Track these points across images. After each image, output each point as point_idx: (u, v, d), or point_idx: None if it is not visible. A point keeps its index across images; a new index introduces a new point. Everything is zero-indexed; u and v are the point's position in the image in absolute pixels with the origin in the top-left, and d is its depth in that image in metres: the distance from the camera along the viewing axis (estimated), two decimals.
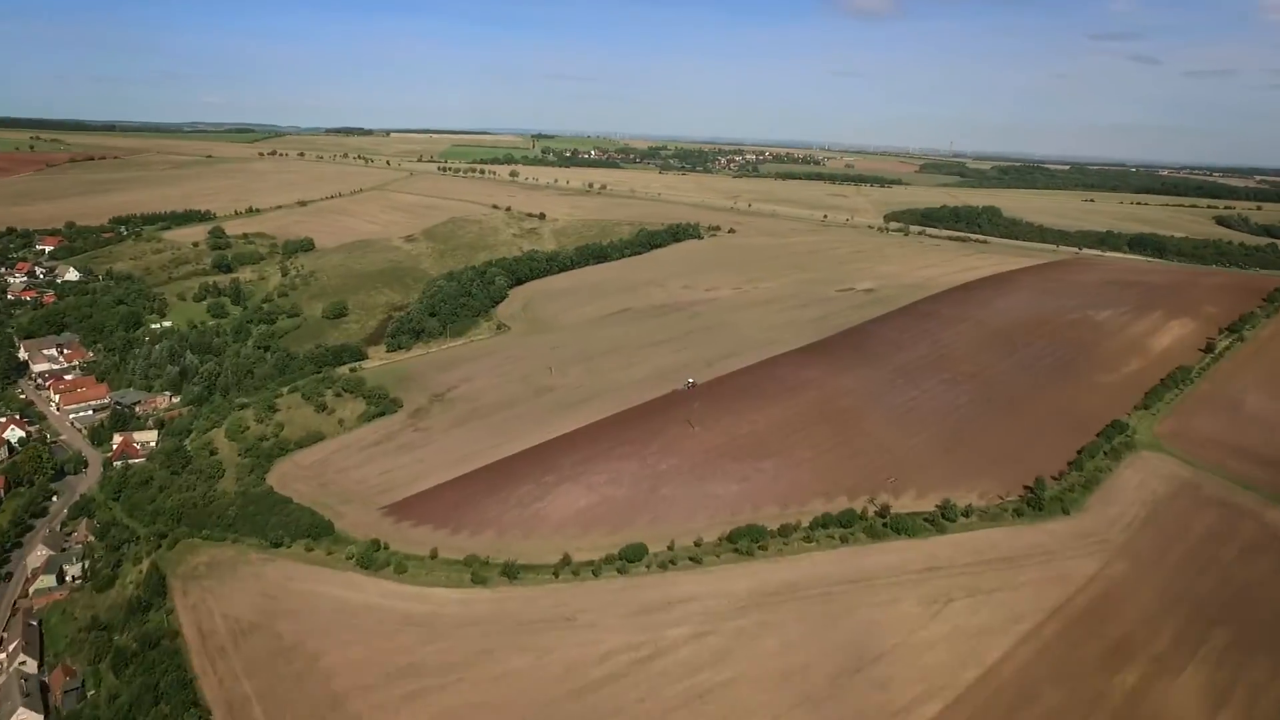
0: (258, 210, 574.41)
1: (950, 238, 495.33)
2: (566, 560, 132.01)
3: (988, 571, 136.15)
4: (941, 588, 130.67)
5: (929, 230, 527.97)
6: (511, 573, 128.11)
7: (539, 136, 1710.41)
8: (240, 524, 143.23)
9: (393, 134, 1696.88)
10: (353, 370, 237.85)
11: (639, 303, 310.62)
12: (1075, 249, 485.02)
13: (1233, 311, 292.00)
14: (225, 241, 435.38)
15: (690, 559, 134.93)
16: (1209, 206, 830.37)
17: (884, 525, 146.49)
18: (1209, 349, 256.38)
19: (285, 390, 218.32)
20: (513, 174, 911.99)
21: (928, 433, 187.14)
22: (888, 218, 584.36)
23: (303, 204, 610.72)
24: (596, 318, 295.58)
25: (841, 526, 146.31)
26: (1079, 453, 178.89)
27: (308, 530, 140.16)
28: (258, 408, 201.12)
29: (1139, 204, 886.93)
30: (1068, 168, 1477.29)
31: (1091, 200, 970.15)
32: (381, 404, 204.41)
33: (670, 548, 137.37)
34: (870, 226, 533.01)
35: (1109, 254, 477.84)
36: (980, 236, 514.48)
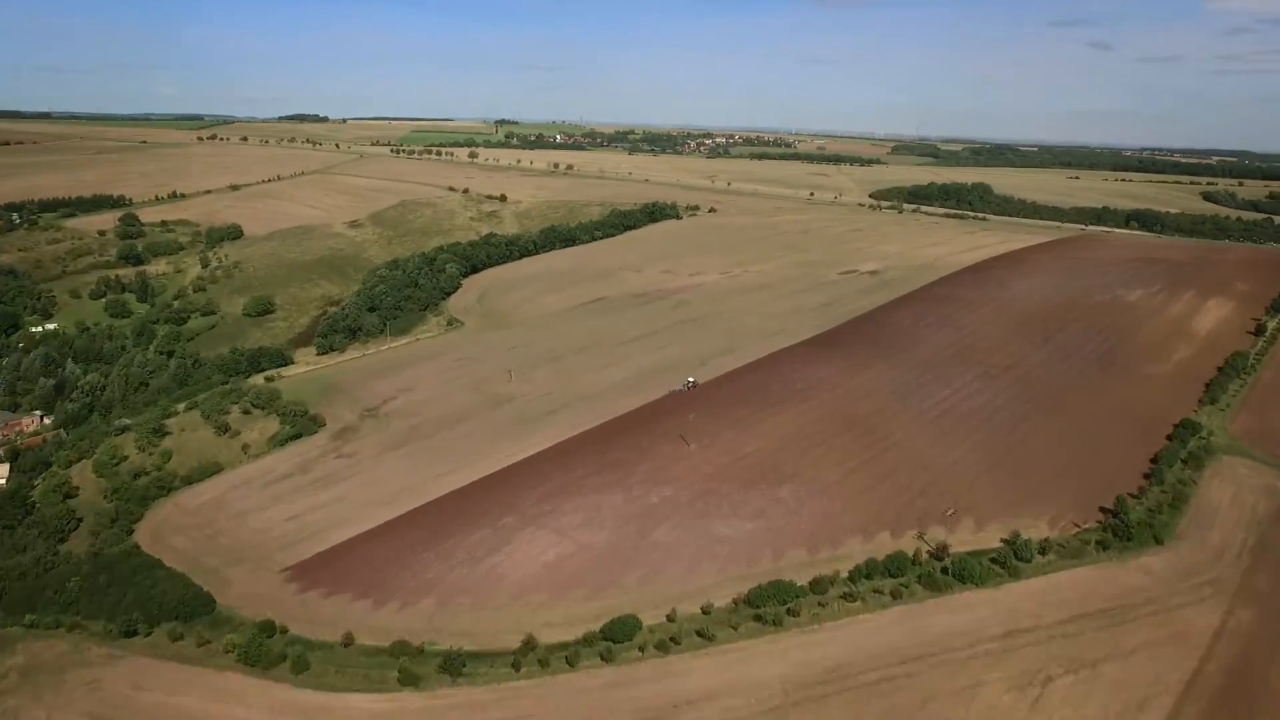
0: (182, 195, 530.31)
1: (947, 215, 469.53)
2: (531, 643, 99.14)
3: (1087, 632, 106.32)
4: (1033, 660, 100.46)
5: (923, 208, 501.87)
6: (454, 667, 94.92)
7: (503, 123, 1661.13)
8: (84, 602, 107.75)
9: (350, 121, 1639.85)
10: (269, 380, 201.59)
11: (614, 291, 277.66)
12: (1080, 226, 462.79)
13: (1268, 289, 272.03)
14: (138, 230, 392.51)
15: (699, 633, 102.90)
16: (1192, 183, 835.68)
17: (944, 572, 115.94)
18: (1259, 331, 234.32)
19: (182, 407, 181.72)
20: (472, 155, 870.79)
21: (971, 442, 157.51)
22: (874, 195, 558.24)
23: (235, 188, 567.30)
24: (565, 309, 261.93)
25: (890, 576, 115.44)
26: (1153, 461, 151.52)
27: (177, 608, 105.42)
28: (141, 431, 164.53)
29: (1124, 180, 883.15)
30: (1036, 149, 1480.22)
31: (1077, 177, 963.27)
32: (299, 423, 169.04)
33: (671, 618, 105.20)
34: (861, 204, 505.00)
35: (1115, 231, 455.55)
36: (976, 214, 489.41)
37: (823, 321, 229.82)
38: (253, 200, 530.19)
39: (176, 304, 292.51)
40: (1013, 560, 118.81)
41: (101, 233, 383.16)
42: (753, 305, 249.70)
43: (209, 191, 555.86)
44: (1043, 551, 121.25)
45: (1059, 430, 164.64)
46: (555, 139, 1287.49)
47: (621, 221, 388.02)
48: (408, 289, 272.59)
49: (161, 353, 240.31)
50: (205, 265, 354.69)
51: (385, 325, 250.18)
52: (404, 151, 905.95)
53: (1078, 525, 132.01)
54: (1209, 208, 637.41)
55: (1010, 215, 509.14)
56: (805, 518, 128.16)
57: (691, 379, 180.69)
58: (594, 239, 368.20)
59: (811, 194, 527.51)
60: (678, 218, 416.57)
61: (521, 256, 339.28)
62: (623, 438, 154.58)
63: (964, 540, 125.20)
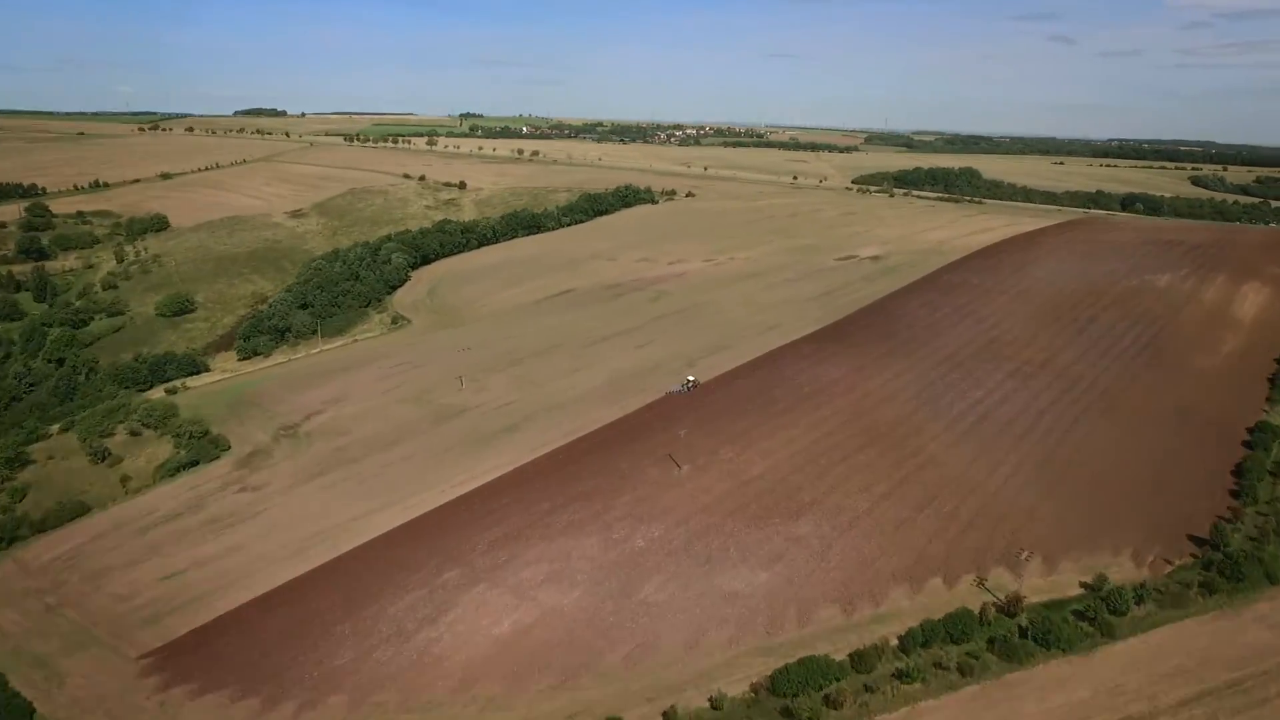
0: (106, 185, 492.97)
1: (940, 199, 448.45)
2: None
3: (1220, 716, 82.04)
4: None
5: (914, 192, 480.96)
6: None
7: (468, 116, 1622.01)
8: None
9: (309, 116, 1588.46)
10: (170, 392, 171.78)
11: (584, 282, 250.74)
12: (1079, 209, 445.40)
13: None
14: (46, 221, 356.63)
15: None
16: (1177, 168, 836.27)
17: (1022, 634, 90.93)
18: None
19: (55, 429, 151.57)
20: (430, 144, 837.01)
21: (1019, 455, 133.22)
22: (859, 180, 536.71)
23: (166, 177, 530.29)
24: (527, 304, 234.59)
25: (954, 641, 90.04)
26: (1236, 475, 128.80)
27: None
28: None
29: (1109, 166, 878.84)
30: (1008, 140, 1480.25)
31: (1061, 163, 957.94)
32: (196, 446, 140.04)
33: (669, 717, 78.83)
34: (848, 188, 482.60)
35: (1118, 214, 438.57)
36: (970, 198, 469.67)
37: (824, 313, 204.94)
38: (185, 190, 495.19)
39: (79, 303, 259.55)
40: (1104, 614, 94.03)
41: (2, 224, 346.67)
42: (742, 296, 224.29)
43: (137, 181, 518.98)
44: (1139, 600, 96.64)
45: (1117, 438, 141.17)
46: (521, 131, 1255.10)
47: (591, 206, 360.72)
48: (347, 283, 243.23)
49: (51, 360, 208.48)
50: (120, 260, 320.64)
51: (318, 324, 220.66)
52: (358, 140, 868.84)
53: (1169, 561, 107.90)
54: (1200, 192, 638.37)
55: (1002, 199, 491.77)
56: (834, 562, 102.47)
57: (692, 378, 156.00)
58: (561, 225, 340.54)
59: (795, 178, 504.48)
60: (653, 202, 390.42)
61: (480, 245, 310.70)
62: (598, 459, 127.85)
63: (1035, 587, 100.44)
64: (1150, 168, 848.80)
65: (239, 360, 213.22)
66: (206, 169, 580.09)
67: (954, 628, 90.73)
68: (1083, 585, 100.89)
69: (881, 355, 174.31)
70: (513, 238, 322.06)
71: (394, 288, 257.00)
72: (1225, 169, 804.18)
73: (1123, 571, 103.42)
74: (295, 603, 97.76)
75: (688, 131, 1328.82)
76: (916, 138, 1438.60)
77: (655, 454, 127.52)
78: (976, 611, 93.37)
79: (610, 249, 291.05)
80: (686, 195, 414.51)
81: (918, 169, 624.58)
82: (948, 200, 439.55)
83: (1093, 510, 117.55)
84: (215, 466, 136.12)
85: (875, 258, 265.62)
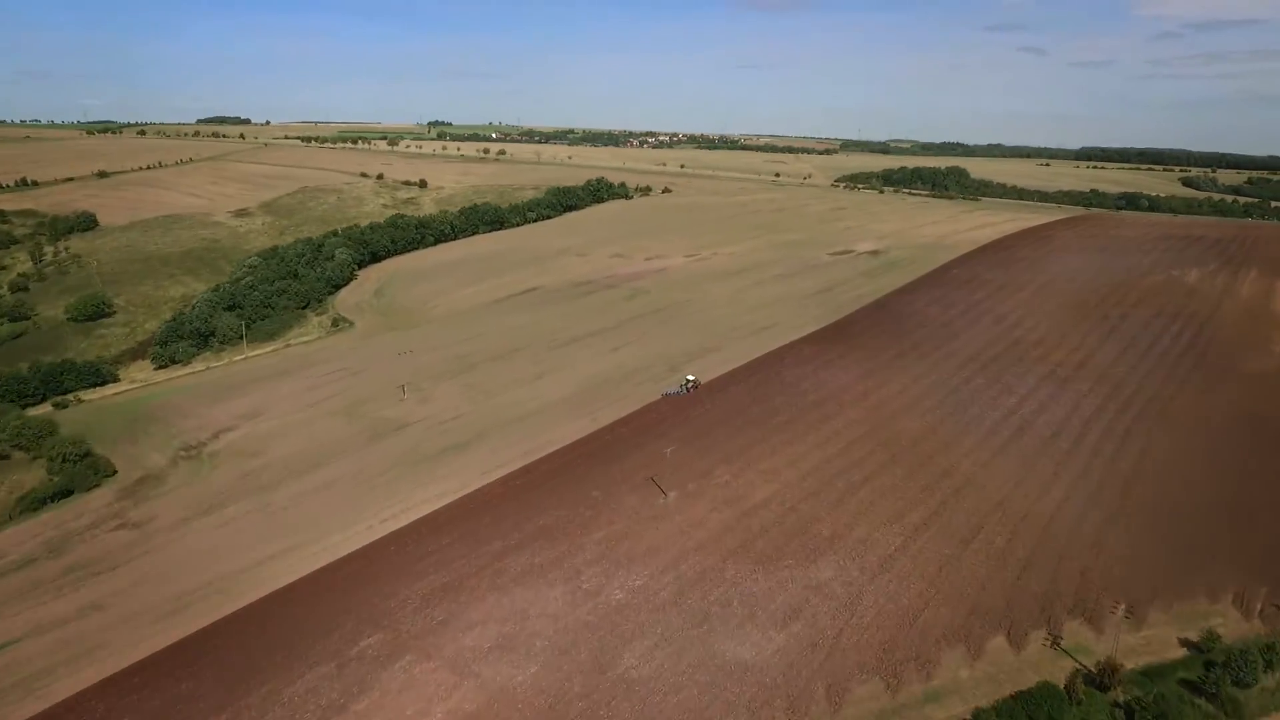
0: (34, 183, 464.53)
1: (932, 195, 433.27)
2: None
3: None
4: None
5: (903, 190, 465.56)
6: None
7: (436, 124, 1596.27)
8: None
9: (274, 124, 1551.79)
10: (60, 407, 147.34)
11: (551, 279, 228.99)
12: (1080, 207, 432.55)
13: None
14: None
15: None
16: (1165, 170, 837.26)
17: (1127, 718, 70.45)
18: None
19: None
20: (392, 144, 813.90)
21: (1070, 473, 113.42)
22: (842, 180, 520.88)
23: (103, 175, 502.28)
24: (487, 303, 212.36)
25: None
26: None
27: None
28: None
29: (1097, 168, 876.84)
30: (984, 146, 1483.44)
31: (1047, 164, 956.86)
32: (72, 471, 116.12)
33: None
34: (834, 185, 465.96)
35: (1123, 212, 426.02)
36: (962, 195, 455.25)
37: (824, 311, 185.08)
38: (122, 188, 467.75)
39: None
40: (1227, 687, 73.89)
41: None
42: (731, 293, 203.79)
43: (70, 179, 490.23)
44: (1268, 664, 76.58)
45: (1181, 451, 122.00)
46: (490, 136, 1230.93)
47: (561, 201, 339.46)
48: (283, 281, 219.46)
49: None
50: (37, 260, 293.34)
51: (245, 328, 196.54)
52: (315, 140, 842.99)
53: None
54: (1195, 193, 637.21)
55: (993, 198, 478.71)
56: (868, 618, 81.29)
57: (691, 377, 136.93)
58: (527, 221, 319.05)
59: (777, 175, 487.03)
60: (627, 197, 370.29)
61: (438, 242, 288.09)
62: (564, 485, 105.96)
63: (1126, 646, 79.98)
64: (1138, 169, 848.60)
65: (155, 369, 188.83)
66: (148, 168, 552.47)
67: (1036, 709, 69.88)
68: (1185, 643, 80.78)
69: (894, 358, 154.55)
70: (474, 234, 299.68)
71: (338, 287, 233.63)
72: (1215, 171, 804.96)
73: (1230, 623, 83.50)
74: (157, 684, 74.60)
75: (660, 138, 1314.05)
76: (892, 144, 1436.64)
77: (635, 477, 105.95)
78: (1061, 685, 72.61)
79: (581, 245, 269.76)
80: (663, 191, 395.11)
81: (903, 168, 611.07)
82: (940, 197, 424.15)
83: (1173, 542, 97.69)
84: (92, 497, 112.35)
85: (874, 252, 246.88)
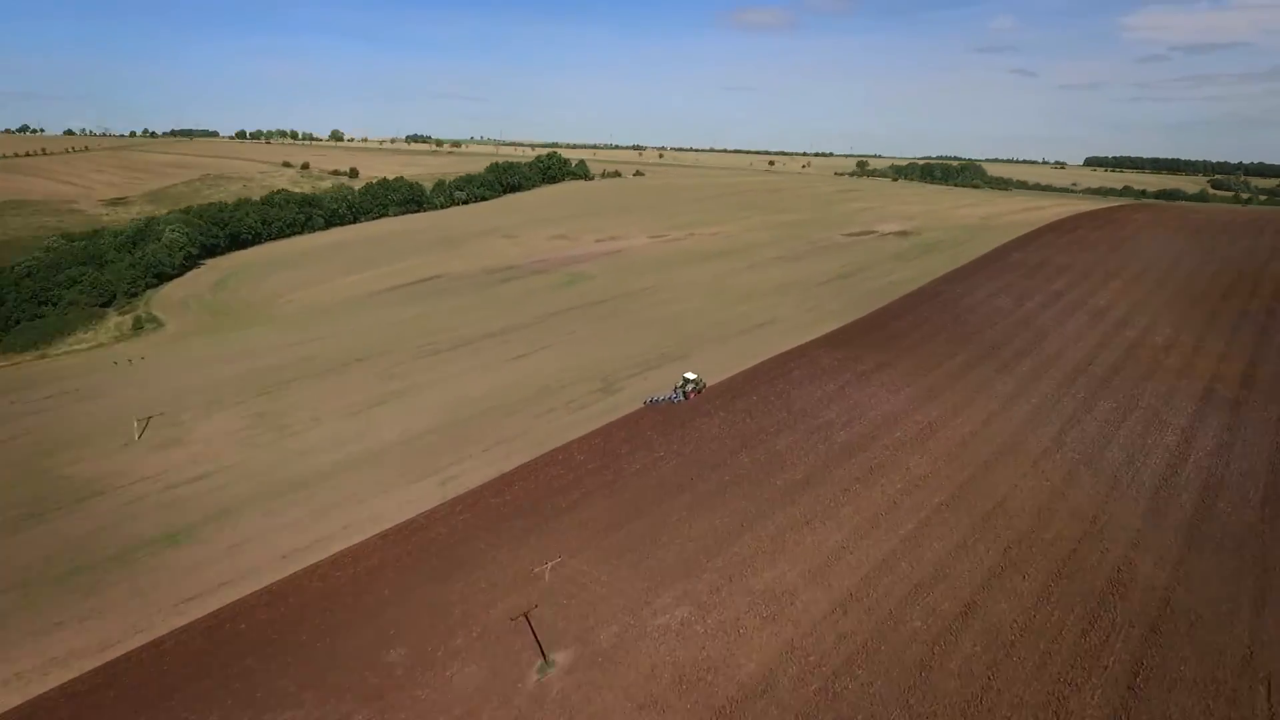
0: None
1: (954, 185, 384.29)
2: None
3: None
4: None
5: (917, 181, 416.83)
6: None
7: (415, 138, 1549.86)
8: None
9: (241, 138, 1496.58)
10: None
11: (463, 265, 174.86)
12: (1121, 199, 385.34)
13: None
14: None
15: None
16: (1186, 175, 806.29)
17: None
18: None
19: None
20: (335, 136, 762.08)
21: None
22: (844, 174, 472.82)
23: None
24: (364, 295, 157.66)
25: None
26: None
27: None
28: None
29: (1115, 171, 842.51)
30: (986, 160, 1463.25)
31: (1061, 166, 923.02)
32: None
33: None
34: (837, 174, 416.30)
35: (1180, 202, 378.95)
36: (989, 188, 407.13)
37: (846, 303, 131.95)
38: None
39: None
40: None
41: None
42: (710, 279, 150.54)
43: None
44: None
45: None
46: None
47: (501, 180, 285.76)
48: (76, 269, 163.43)
49: None
50: None
51: (5, 330, 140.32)
52: (252, 136, 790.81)
53: None
54: (1226, 195, 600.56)
55: (1024, 190, 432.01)
56: None
57: (693, 376, 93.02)
58: (455, 203, 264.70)
59: (771, 163, 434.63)
60: (587, 178, 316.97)
61: (330, 225, 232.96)
62: (326, 643, 50.77)
63: None
64: (1159, 174, 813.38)
65: None
66: (25, 155, 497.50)
67: None
68: None
69: (962, 368, 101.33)
70: (381, 215, 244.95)
71: (168, 277, 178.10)
72: (1242, 176, 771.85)
73: None
74: None
75: (644, 153, 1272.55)
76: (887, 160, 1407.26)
77: (485, 619, 51.15)
78: None
79: (514, 225, 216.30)
80: (635, 174, 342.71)
81: (912, 163, 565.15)
82: (966, 186, 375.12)
83: None
84: None
85: (903, 233, 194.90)
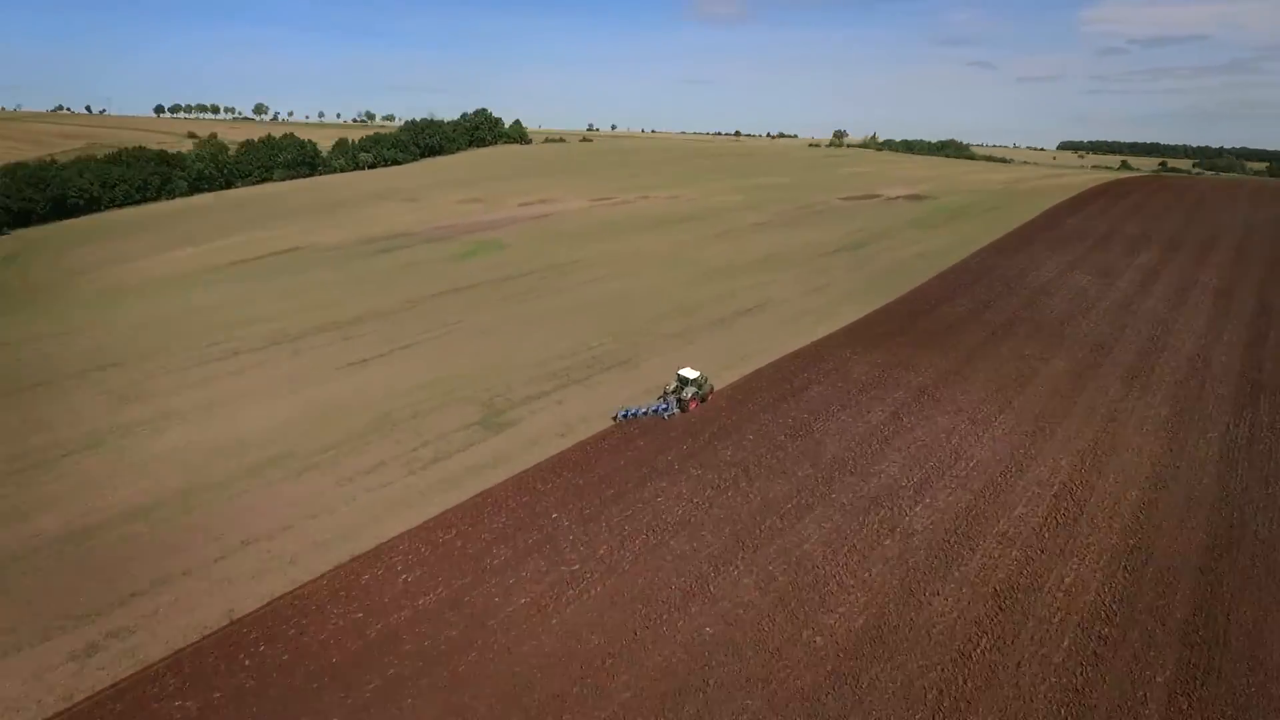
0: None
1: (948, 158, 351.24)
2: None
3: None
4: None
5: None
6: None
7: (361, 119, 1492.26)
8: None
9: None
10: None
11: (338, 235, 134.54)
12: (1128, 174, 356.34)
13: None
14: None
15: None
16: (1168, 158, 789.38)
17: None
18: None
19: None
20: (259, 111, 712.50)
21: None
22: (827, 145, 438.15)
23: None
24: (195, 271, 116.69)
25: None
26: None
27: None
28: None
29: (1097, 154, 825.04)
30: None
31: (1040, 149, 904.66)
32: None
33: None
34: (813, 145, 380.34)
35: (1206, 174, 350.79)
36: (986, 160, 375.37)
37: (865, 280, 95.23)
38: None
39: None
40: None
41: None
42: (669, 249, 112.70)
43: None
44: None
45: None
46: None
47: (416, 140, 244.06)
48: None
49: None
50: None
51: None
52: (172, 109, 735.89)
53: None
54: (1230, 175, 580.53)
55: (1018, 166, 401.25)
56: None
57: (692, 375, 60.21)
58: (358, 166, 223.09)
59: (738, 133, 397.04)
60: (524, 141, 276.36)
61: (196, 191, 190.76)
62: None
63: None
64: (1139, 156, 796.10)
65: None
66: None
67: None
68: None
69: (1070, 380, 66.34)
70: (263, 181, 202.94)
71: None
72: (1234, 158, 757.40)
73: None
74: None
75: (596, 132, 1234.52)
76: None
77: None
78: None
79: (419, 188, 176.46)
80: (581, 140, 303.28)
81: (889, 141, 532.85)
82: (959, 158, 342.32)
83: None
84: None
85: (916, 197, 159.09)
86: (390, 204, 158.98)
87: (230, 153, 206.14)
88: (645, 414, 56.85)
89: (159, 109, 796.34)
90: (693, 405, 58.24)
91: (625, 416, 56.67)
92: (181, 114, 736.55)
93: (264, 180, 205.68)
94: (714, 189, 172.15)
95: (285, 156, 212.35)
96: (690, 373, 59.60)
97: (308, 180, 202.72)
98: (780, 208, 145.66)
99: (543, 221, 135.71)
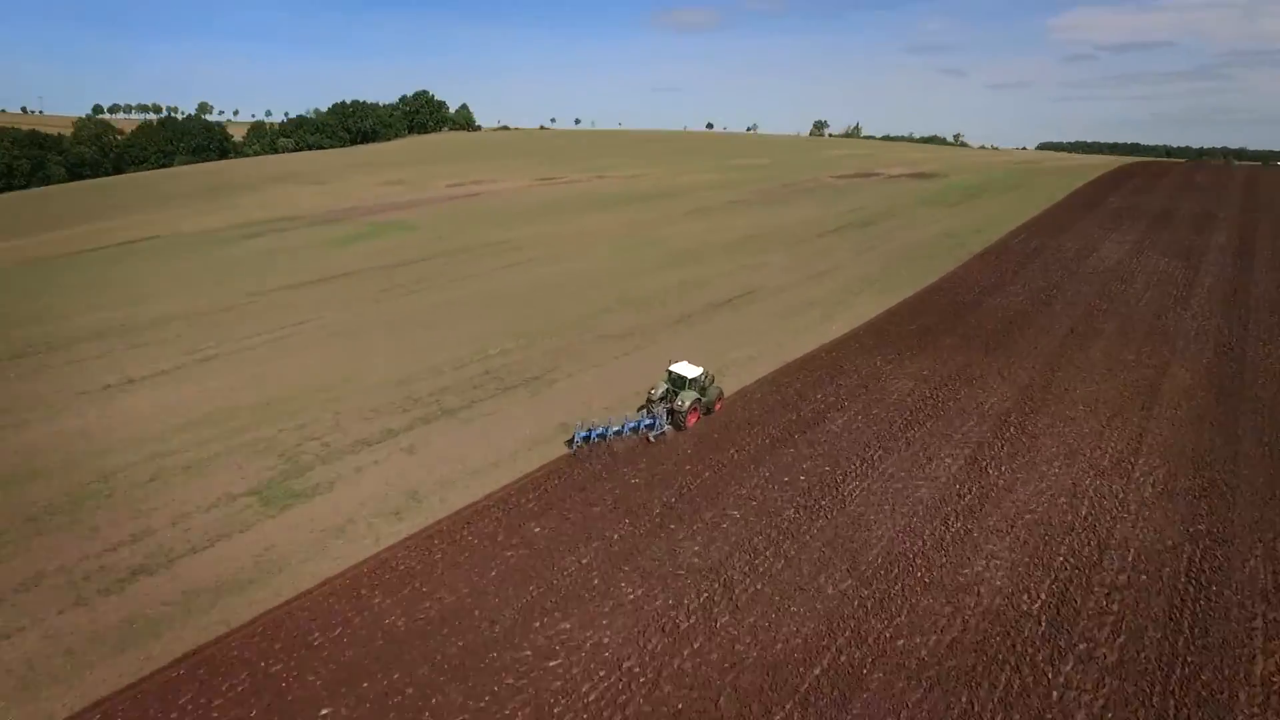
0: None
1: (944, 145, 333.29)
2: None
3: None
4: None
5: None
6: None
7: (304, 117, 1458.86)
8: None
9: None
10: None
11: (207, 221, 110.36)
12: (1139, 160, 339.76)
13: None
14: None
15: None
16: (1152, 156, 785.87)
17: None
18: None
19: None
20: (202, 109, 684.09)
21: None
22: (809, 136, 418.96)
23: None
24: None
25: None
26: None
27: None
28: None
29: (1081, 154, 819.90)
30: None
31: (1024, 148, 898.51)
32: None
33: None
34: (794, 135, 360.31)
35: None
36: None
37: (881, 262, 73.39)
38: None
39: None
40: None
41: None
42: (622, 228, 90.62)
43: None
44: None
45: None
46: None
47: (346, 125, 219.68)
48: None
49: None
50: None
51: None
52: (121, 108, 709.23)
53: None
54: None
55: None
56: None
57: (693, 373, 39.68)
58: (276, 152, 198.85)
59: (710, 125, 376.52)
60: (471, 128, 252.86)
61: (78, 176, 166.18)
62: None
63: None
64: (1123, 155, 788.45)
65: None
66: None
67: None
68: None
69: (1215, 393, 42.39)
70: (165, 165, 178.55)
71: None
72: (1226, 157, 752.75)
73: None
74: None
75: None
76: None
77: None
78: None
79: (334, 170, 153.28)
80: (539, 128, 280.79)
81: (870, 136, 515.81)
82: (954, 146, 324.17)
83: None
84: None
85: (922, 175, 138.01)
86: (290, 186, 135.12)
87: (120, 136, 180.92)
88: (620, 434, 37.68)
89: (97, 108, 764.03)
90: (691, 420, 39.38)
91: (588, 439, 37.13)
92: (121, 114, 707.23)
93: (165, 165, 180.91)
94: (682, 168, 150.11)
95: (189, 142, 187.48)
96: (687, 369, 40.61)
97: (206, 165, 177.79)
98: (763, 187, 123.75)
99: (470, 201, 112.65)
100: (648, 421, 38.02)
